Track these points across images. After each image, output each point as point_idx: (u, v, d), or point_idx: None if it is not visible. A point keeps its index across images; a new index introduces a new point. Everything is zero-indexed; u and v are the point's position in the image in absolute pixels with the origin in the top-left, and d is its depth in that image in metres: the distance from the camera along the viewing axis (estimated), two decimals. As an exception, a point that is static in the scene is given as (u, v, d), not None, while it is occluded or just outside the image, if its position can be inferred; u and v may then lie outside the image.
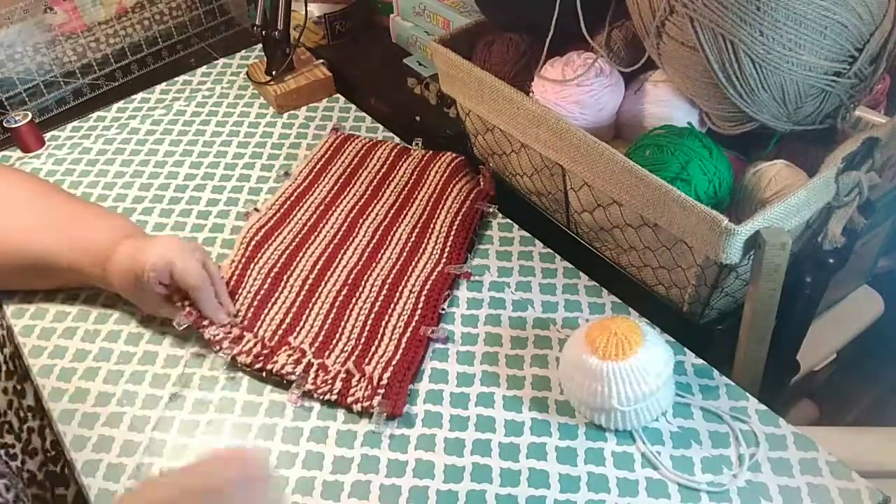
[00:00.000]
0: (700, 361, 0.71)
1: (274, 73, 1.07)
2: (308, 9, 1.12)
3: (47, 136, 1.04)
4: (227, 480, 0.51)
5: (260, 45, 1.14)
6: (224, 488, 0.50)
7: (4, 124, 1.01)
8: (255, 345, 0.72)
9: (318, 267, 0.81)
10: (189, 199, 0.93)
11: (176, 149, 1.01)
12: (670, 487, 0.62)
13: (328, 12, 1.17)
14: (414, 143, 0.97)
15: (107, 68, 1.40)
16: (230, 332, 0.73)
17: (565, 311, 0.77)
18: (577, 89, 0.76)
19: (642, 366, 0.62)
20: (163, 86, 1.13)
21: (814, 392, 1.13)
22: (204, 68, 1.16)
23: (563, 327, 0.75)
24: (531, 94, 0.79)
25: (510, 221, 0.87)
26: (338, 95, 1.10)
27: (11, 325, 0.78)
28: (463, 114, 0.91)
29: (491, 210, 0.87)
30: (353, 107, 1.08)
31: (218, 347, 0.72)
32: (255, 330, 0.74)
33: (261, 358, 0.71)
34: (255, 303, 0.77)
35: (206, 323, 0.73)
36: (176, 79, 1.14)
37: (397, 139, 1.01)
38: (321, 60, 1.11)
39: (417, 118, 1.04)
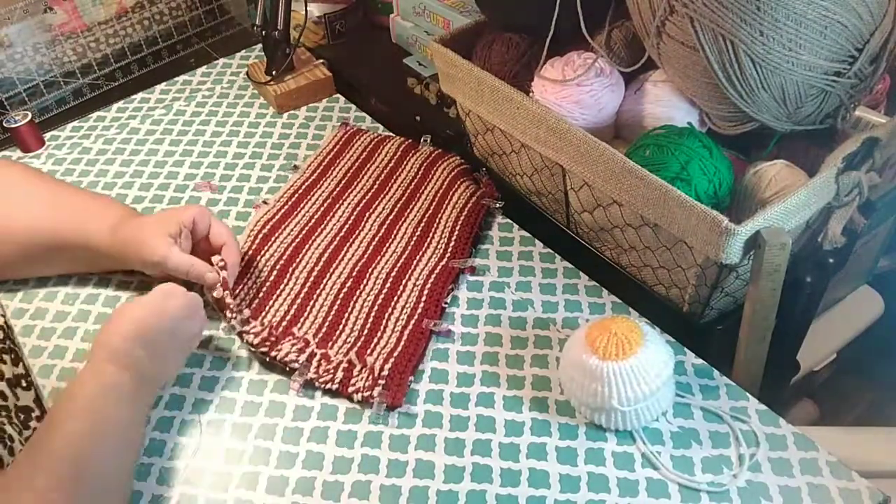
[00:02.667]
0: (700, 361, 0.71)
1: (274, 73, 1.07)
2: (308, 9, 1.12)
3: (47, 136, 1.04)
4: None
5: (260, 45, 1.14)
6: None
7: (4, 124, 1.01)
8: (263, 330, 0.74)
9: (323, 259, 0.82)
10: (189, 200, 0.93)
11: (176, 149, 1.01)
12: (670, 487, 0.62)
13: (328, 12, 1.17)
14: (423, 140, 0.97)
15: (107, 68, 1.40)
16: (242, 311, 0.75)
17: (565, 311, 0.76)
18: (577, 89, 0.76)
19: (642, 366, 0.62)
20: (163, 86, 1.13)
21: (814, 392, 1.13)
22: (204, 68, 1.16)
23: (563, 327, 0.75)
24: (531, 94, 0.79)
25: (510, 221, 0.87)
26: (338, 95, 1.10)
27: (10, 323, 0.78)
28: (463, 114, 0.91)
29: (497, 206, 0.88)
30: (353, 107, 1.08)
31: (233, 315, 0.73)
32: (261, 319, 0.76)
33: (267, 343, 0.72)
34: (261, 294, 0.78)
35: (230, 289, 0.75)
36: (176, 79, 1.14)
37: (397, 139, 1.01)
38: (321, 60, 1.11)
39: (417, 118, 1.04)
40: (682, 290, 0.73)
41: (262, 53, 1.11)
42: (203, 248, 0.77)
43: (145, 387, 0.64)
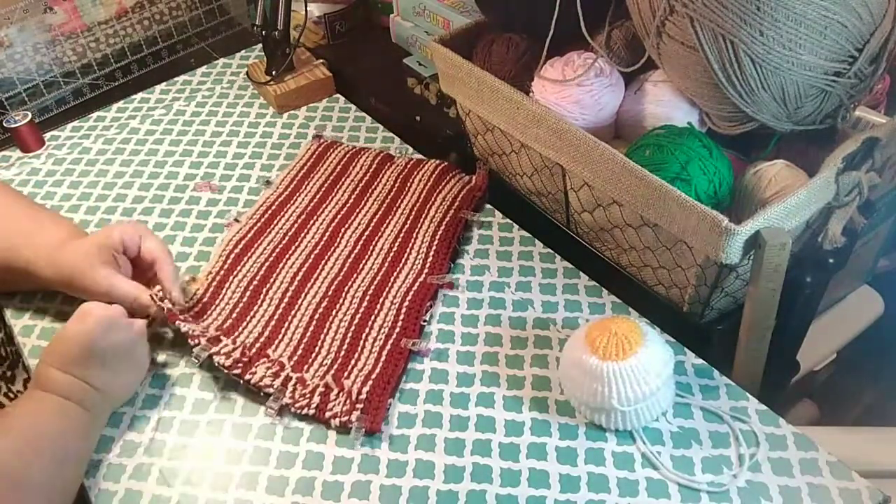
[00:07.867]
0: (700, 361, 0.71)
1: (274, 73, 1.07)
2: (308, 9, 1.12)
3: (47, 136, 1.04)
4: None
5: (260, 45, 1.14)
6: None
7: (4, 124, 1.01)
8: (234, 350, 0.71)
9: (298, 279, 0.79)
10: (189, 199, 0.93)
11: (176, 149, 1.01)
12: (670, 487, 0.62)
13: (328, 12, 1.17)
14: (398, 152, 0.96)
15: (107, 68, 1.40)
16: (207, 331, 0.72)
17: (565, 311, 0.77)
18: (577, 89, 0.76)
19: (642, 366, 0.62)
20: (163, 86, 1.13)
21: (814, 392, 1.13)
22: (204, 68, 1.16)
23: (563, 327, 0.75)
24: (531, 94, 0.79)
25: (510, 221, 0.87)
26: (338, 95, 1.10)
27: (11, 323, 0.78)
28: (463, 114, 0.91)
29: (475, 218, 0.87)
30: (353, 107, 1.08)
31: (196, 342, 0.70)
32: (233, 339, 0.73)
33: (239, 365, 0.70)
34: (234, 316, 0.75)
35: (182, 317, 0.72)
36: (176, 79, 1.14)
37: (397, 140, 1.01)
38: (321, 60, 1.11)
39: (417, 118, 1.04)
40: (682, 290, 0.73)
41: (262, 53, 1.11)
42: (138, 265, 0.75)
43: (87, 403, 0.64)
